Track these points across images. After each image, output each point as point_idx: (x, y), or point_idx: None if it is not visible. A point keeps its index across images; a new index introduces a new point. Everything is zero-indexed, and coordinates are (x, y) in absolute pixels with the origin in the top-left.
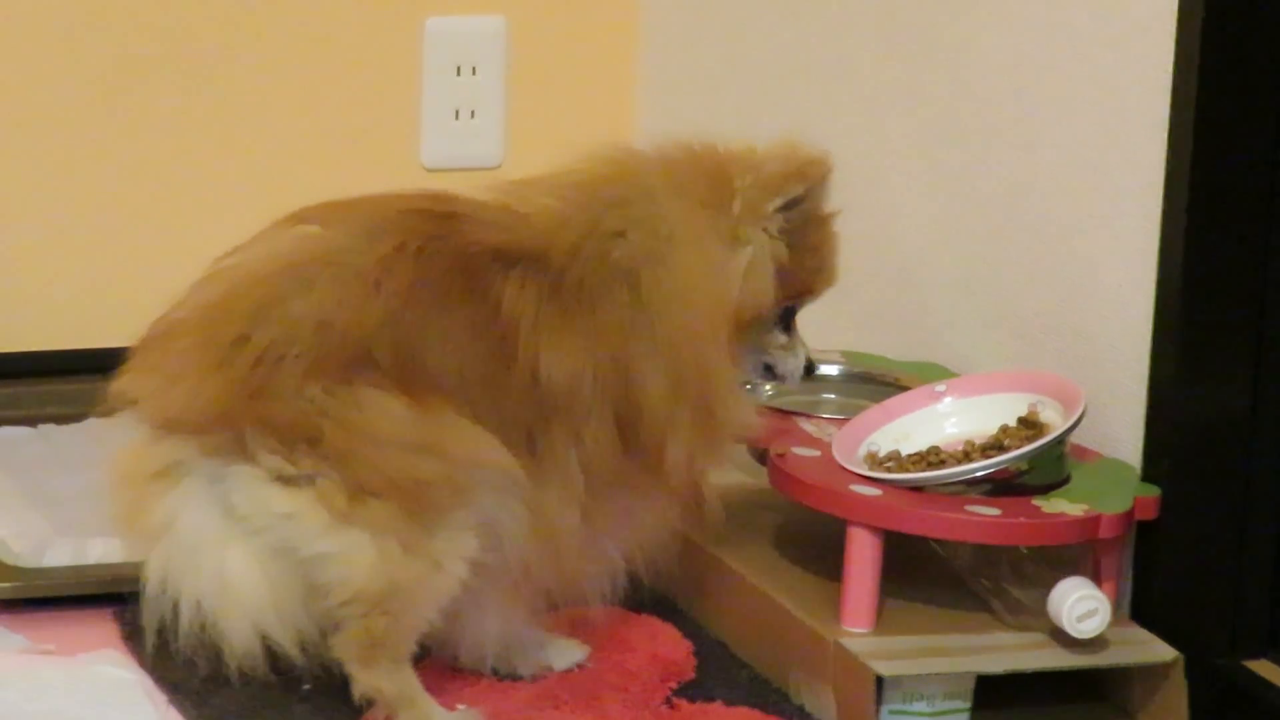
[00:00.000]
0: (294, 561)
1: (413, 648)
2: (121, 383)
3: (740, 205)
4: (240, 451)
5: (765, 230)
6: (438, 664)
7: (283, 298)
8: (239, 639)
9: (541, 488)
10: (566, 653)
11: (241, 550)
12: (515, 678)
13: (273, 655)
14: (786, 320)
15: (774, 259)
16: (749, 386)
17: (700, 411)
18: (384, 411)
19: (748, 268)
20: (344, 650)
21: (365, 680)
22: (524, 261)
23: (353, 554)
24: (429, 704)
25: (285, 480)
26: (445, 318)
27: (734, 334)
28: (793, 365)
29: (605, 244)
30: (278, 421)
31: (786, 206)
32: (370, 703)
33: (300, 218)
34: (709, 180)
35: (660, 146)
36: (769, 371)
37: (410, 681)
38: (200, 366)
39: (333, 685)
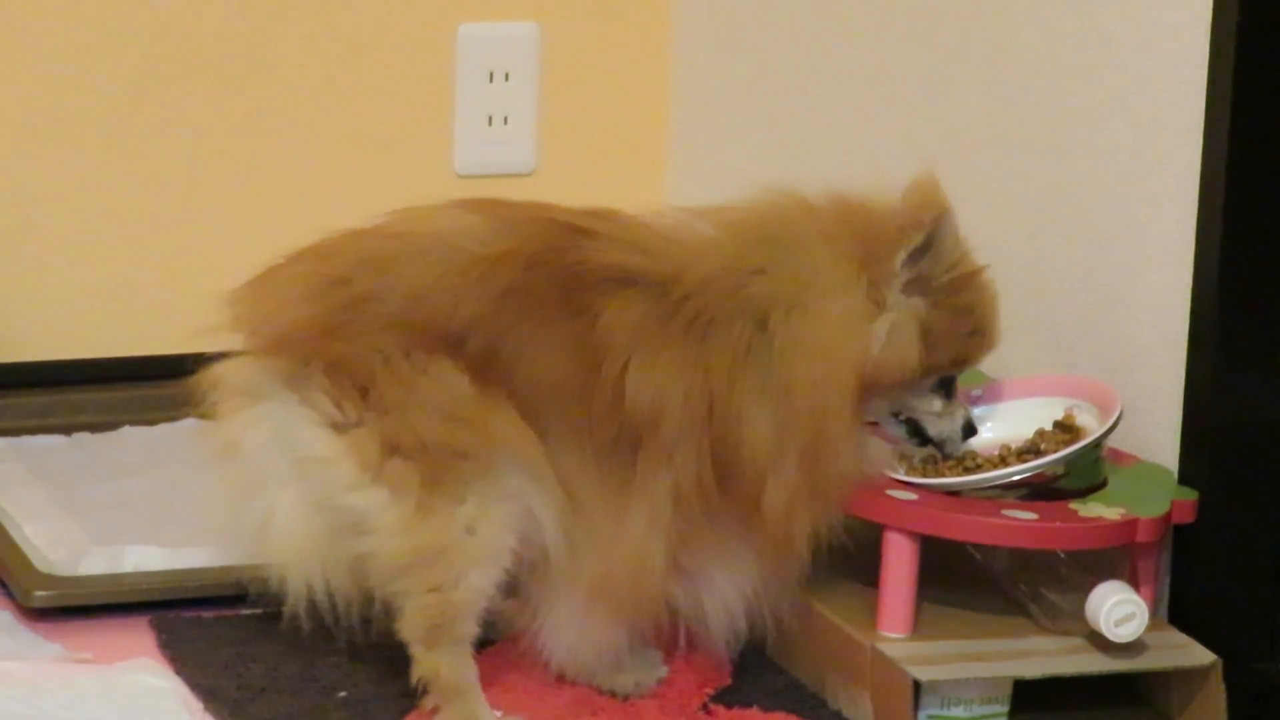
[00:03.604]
0: (334, 516)
1: (474, 629)
2: (237, 292)
3: (880, 266)
4: (306, 387)
5: (904, 290)
6: (479, 666)
7: (394, 259)
8: (286, 583)
9: (624, 507)
10: (658, 668)
11: (294, 495)
12: (614, 693)
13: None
14: (946, 387)
15: (919, 322)
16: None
17: (809, 463)
18: (444, 382)
19: (890, 331)
20: (407, 632)
21: (426, 662)
22: (641, 284)
23: (377, 513)
24: (478, 700)
25: (332, 425)
26: (538, 327)
27: (866, 395)
28: (948, 430)
29: (742, 278)
30: (339, 362)
31: (912, 260)
32: (425, 689)
33: (464, 204)
34: (856, 235)
35: (820, 194)
36: (919, 435)
37: (467, 672)
38: (295, 293)
39: (369, 693)
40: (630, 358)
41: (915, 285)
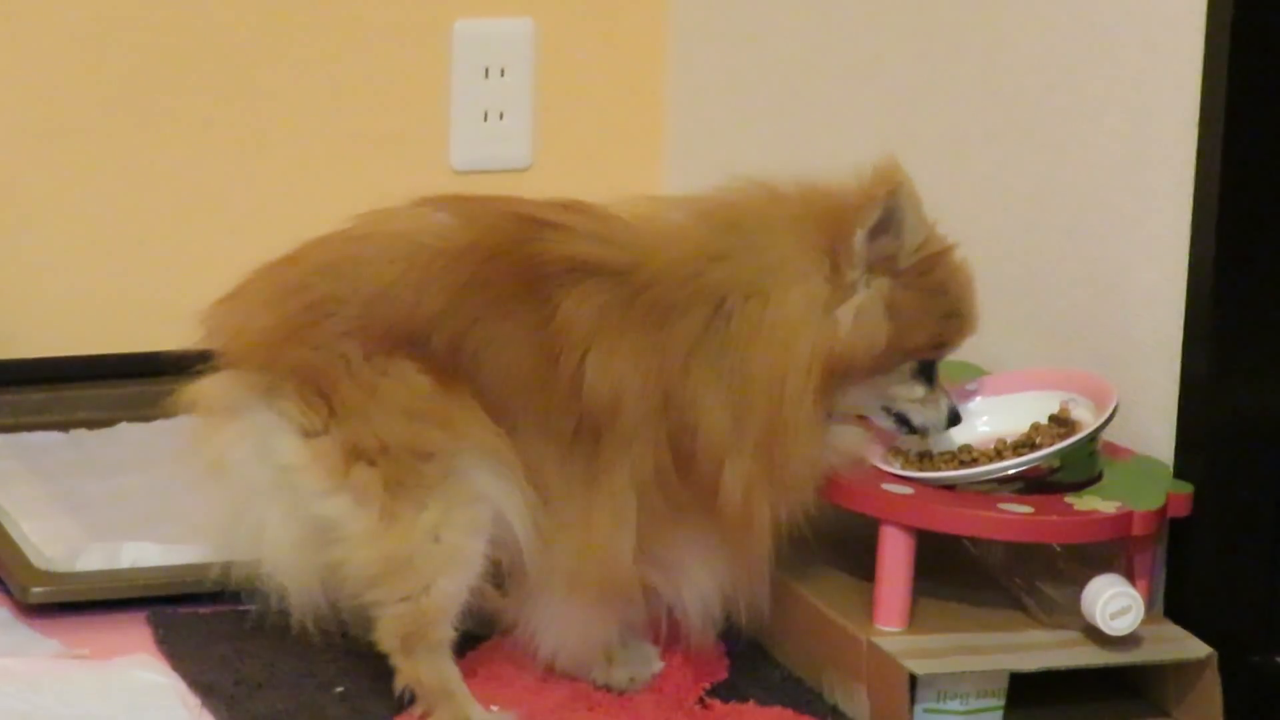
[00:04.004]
0: (310, 524)
1: (449, 633)
2: (207, 310)
3: (842, 249)
4: (278, 396)
5: (869, 270)
6: (475, 662)
7: (354, 261)
8: (284, 592)
9: (589, 498)
10: (653, 662)
11: (282, 506)
12: (609, 688)
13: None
14: (926, 372)
15: (886, 303)
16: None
17: (766, 451)
18: (407, 383)
19: (856, 314)
20: (384, 642)
21: (406, 670)
22: (602, 274)
23: (345, 522)
24: (466, 699)
25: (304, 433)
26: (500, 320)
27: (837, 382)
28: (932, 418)
29: (702, 265)
30: (303, 369)
31: (871, 237)
32: (411, 696)
33: (429, 201)
34: (820, 221)
35: (789, 182)
36: (904, 424)
37: (449, 674)
38: (257, 304)
39: (366, 688)
40: (589, 347)
41: (880, 265)
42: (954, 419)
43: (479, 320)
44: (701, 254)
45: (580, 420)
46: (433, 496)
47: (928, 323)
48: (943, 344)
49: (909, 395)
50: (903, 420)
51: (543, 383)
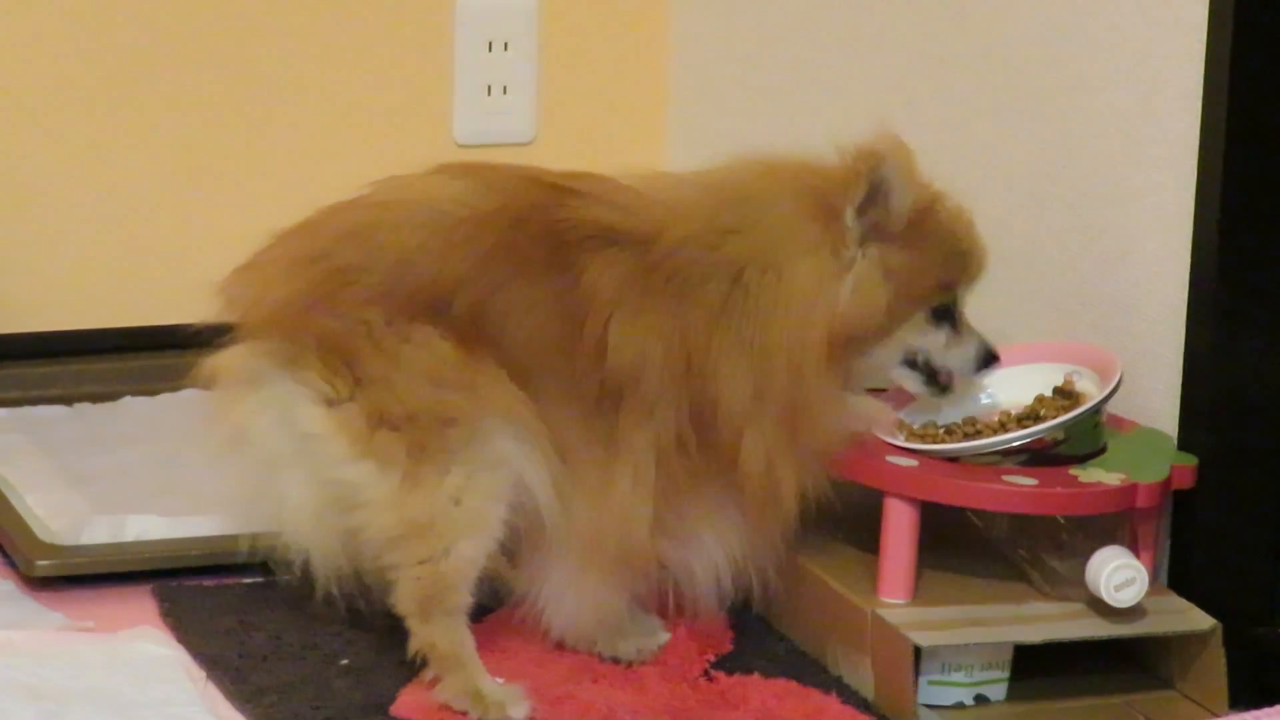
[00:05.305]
0: (332, 491)
1: (466, 599)
2: (225, 280)
3: (837, 224)
4: (299, 366)
5: (862, 242)
6: (482, 634)
7: (374, 228)
8: (307, 560)
9: (611, 462)
10: (658, 634)
11: (303, 474)
12: (616, 660)
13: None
14: (945, 317)
15: (882, 268)
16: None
17: (788, 422)
18: (429, 349)
19: (854, 286)
20: (401, 605)
21: (422, 634)
22: (623, 242)
23: (367, 487)
24: (477, 668)
25: (326, 401)
26: (525, 284)
27: (844, 352)
28: (957, 360)
29: (717, 238)
30: (326, 338)
31: (861, 212)
32: (423, 661)
33: (443, 168)
34: (815, 196)
35: (783, 157)
36: (929, 376)
37: (463, 641)
38: (278, 273)
39: (372, 660)
40: (613, 314)
41: (873, 234)
42: (988, 358)
43: (503, 285)
44: (716, 227)
45: (603, 385)
46: (456, 461)
47: (929, 270)
48: (950, 285)
49: (932, 343)
50: (928, 371)
51: (567, 347)
